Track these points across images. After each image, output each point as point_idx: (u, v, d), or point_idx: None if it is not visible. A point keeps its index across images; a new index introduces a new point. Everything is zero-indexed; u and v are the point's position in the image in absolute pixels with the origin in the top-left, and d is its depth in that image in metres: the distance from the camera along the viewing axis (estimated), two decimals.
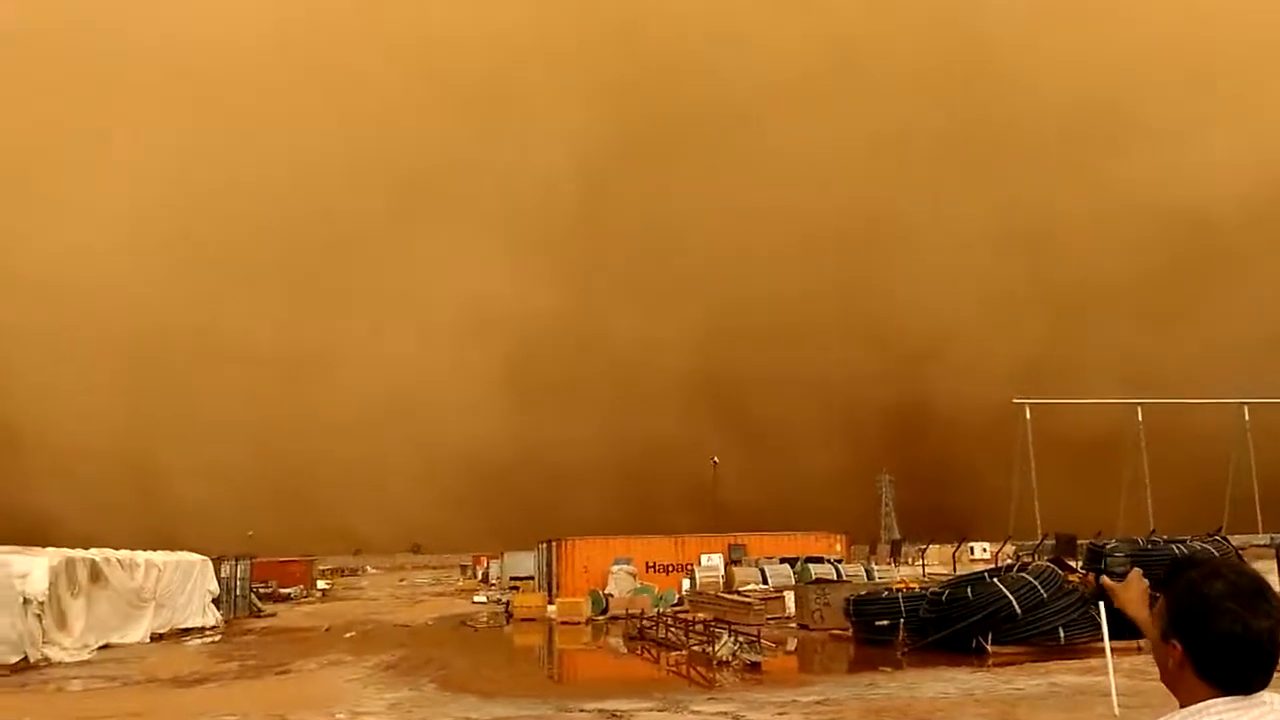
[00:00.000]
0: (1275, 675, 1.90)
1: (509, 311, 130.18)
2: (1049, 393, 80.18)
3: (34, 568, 26.23)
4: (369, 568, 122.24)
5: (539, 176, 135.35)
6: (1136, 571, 2.66)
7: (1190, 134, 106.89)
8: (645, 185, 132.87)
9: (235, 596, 41.54)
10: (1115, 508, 63.74)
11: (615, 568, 39.17)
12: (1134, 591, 2.65)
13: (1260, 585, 1.91)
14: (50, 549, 29.12)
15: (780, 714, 13.89)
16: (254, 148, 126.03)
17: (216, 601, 37.63)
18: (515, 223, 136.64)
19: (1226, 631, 1.85)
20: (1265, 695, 1.87)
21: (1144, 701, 13.71)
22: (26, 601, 25.16)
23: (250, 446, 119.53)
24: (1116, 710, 12.78)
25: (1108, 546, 22.31)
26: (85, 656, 25.90)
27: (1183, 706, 1.92)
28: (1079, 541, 30.50)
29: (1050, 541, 40.82)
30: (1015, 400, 71.45)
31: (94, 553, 30.68)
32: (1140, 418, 70.41)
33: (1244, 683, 1.87)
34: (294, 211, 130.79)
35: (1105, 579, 2.88)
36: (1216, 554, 21.10)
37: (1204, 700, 1.88)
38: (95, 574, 29.52)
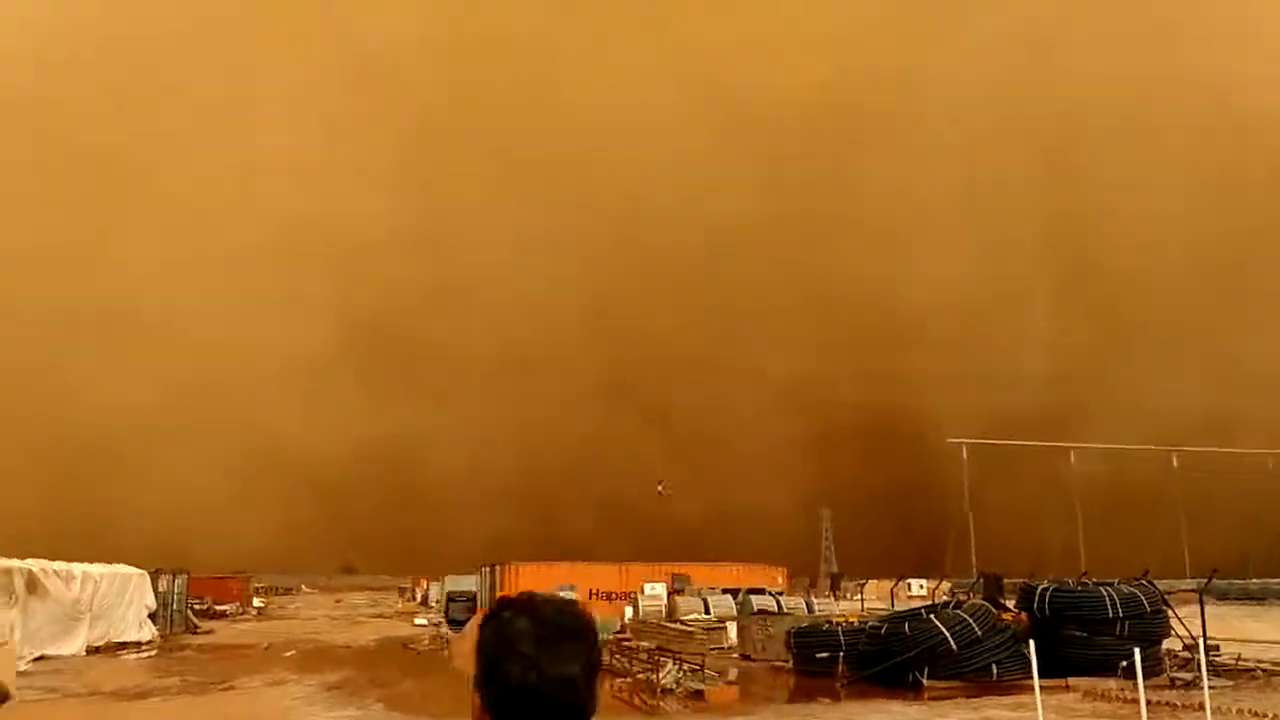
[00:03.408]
0: None
1: (343, 248, 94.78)
2: (1078, 414, 73.38)
3: None
4: (304, 587, 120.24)
5: (384, 35, 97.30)
6: (473, 621, 2.37)
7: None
8: (535, 58, 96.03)
9: (172, 611, 41.02)
10: (1068, 547, 64.21)
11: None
12: (466, 644, 2.34)
13: (571, 626, 1.69)
14: None
15: None
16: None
17: (153, 616, 37.17)
18: (353, 110, 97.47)
19: (518, 681, 1.61)
20: None
21: None
22: None
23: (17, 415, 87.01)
24: None
25: (1039, 588, 23.12)
26: (22, 668, 25.49)
27: None
28: (1005, 581, 31.43)
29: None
30: (950, 440, 72.57)
31: (30, 563, 30.22)
32: (1073, 460, 72.10)
33: None
34: (53, 98, 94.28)
35: (448, 630, 2.38)
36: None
37: None
38: (32, 584, 29.12)
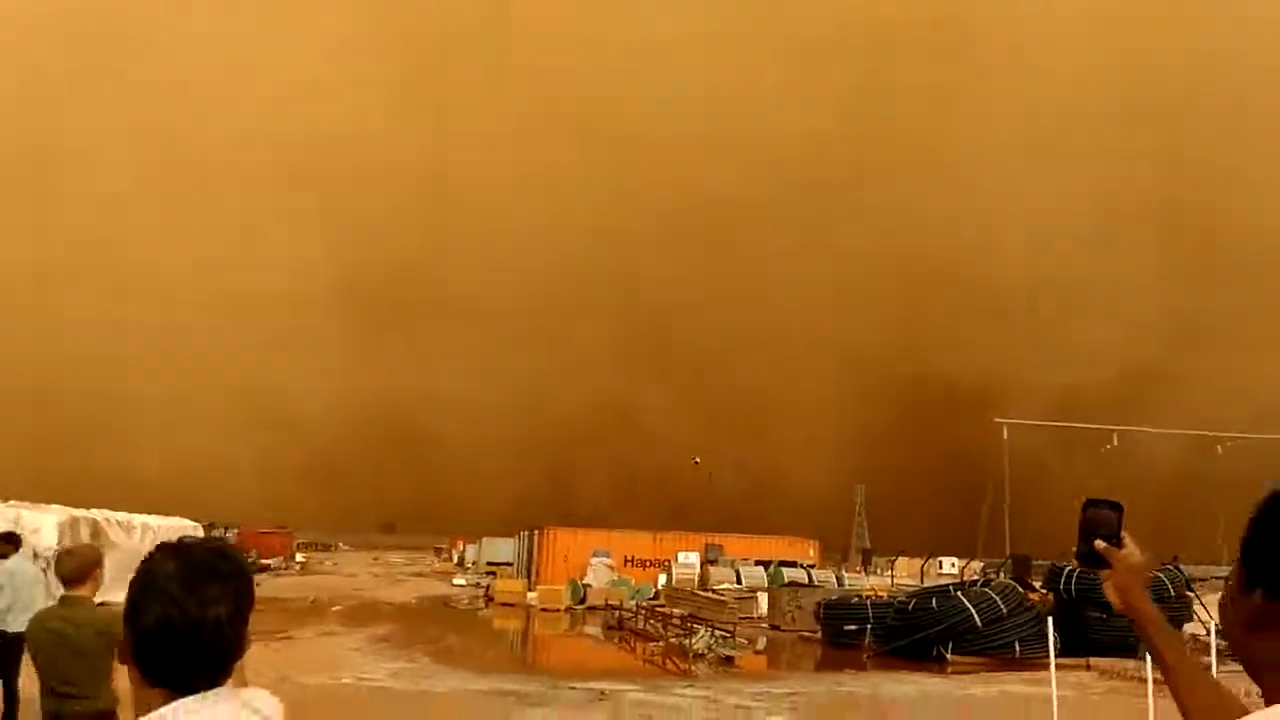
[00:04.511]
0: None
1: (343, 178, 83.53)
2: (1150, 396, 70.52)
3: (44, 523, 27.31)
4: (342, 544, 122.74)
5: None
6: None
7: None
8: None
9: None
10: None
11: (594, 560, 40.45)
12: None
13: (219, 568, 1.69)
14: (56, 505, 30.13)
15: (756, 700, 15.21)
16: None
17: None
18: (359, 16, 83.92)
19: (159, 621, 1.62)
20: (224, 691, 1.67)
21: (1084, 712, 15.11)
22: (36, 556, 26.15)
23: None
24: (1055, 717, 14.13)
25: (1065, 569, 23.67)
26: None
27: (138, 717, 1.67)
28: (1035, 562, 32.06)
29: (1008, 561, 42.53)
30: (996, 420, 72.24)
31: (95, 512, 31.71)
32: (1116, 442, 71.76)
33: (183, 680, 1.63)
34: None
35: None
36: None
37: (153, 710, 1.62)
38: (96, 533, 30.51)
